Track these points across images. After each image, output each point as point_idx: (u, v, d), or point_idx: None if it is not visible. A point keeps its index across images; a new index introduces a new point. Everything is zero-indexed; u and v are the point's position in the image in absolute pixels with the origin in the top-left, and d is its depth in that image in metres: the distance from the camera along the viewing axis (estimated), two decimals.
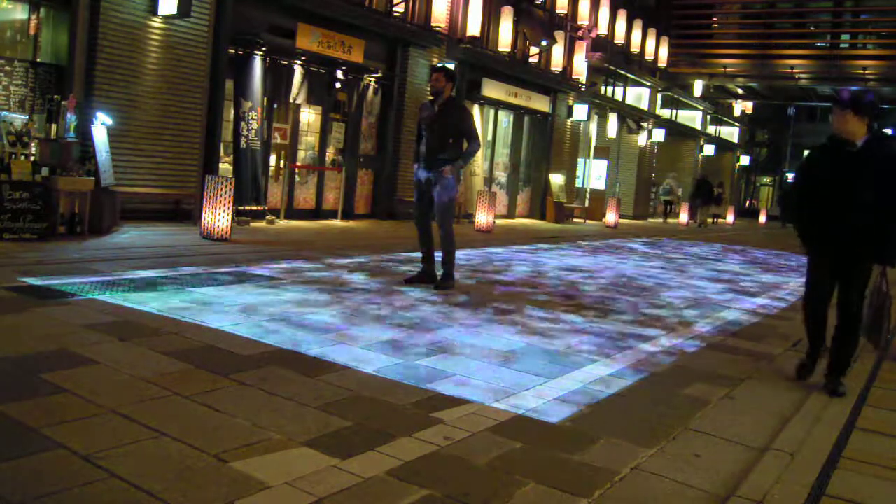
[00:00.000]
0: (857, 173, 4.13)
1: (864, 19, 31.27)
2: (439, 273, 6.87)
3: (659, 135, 26.33)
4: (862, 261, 4.21)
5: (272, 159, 12.59)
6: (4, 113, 8.51)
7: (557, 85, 19.70)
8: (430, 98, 6.91)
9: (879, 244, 4.11)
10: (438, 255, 6.91)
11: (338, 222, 13.15)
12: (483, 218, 14.41)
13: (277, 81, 12.28)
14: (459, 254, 8.28)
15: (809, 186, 4.35)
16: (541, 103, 19.47)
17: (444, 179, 6.65)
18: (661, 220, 26.41)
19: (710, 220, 26.81)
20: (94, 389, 3.21)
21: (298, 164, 13.19)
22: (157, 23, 10.06)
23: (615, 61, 22.67)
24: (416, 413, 3.33)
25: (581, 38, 20.46)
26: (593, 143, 23.19)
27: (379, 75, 14.31)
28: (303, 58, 12.55)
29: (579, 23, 20.46)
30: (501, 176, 19.33)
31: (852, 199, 4.12)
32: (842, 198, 4.16)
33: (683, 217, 26.23)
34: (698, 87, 30.40)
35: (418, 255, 7.10)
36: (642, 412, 3.70)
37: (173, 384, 3.39)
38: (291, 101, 12.78)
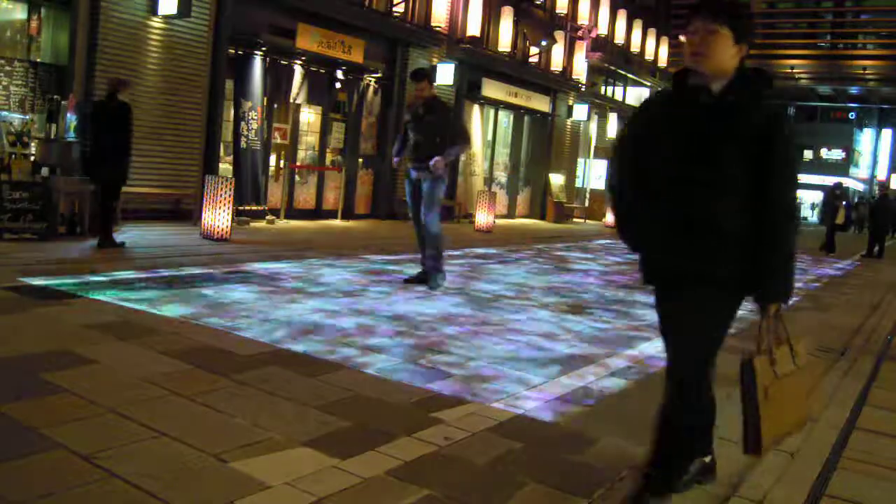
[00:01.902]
0: (711, 143, 2.30)
1: (864, 19, 31.28)
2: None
3: None
4: (711, 299, 2.39)
5: (272, 159, 12.59)
6: (4, 113, 8.51)
7: (557, 85, 19.70)
8: (414, 101, 7.00)
9: (765, 268, 2.30)
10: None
11: (338, 222, 13.14)
12: (483, 218, 14.41)
13: (277, 81, 12.28)
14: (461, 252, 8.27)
15: (638, 169, 2.48)
16: (541, 103, 19.47)
17: (432, 175, 6.63)
18: None
19: None
20: (94, 389, 3.21)
21: (298, 164, 13.19)
22: (157, 23, 10.06)
23: (615, 61, 22.67)
24: (416, 413, 3.33)
25: (581, 38, 20.46)
26: (593, 143, 23.19)
27: (379, 75, 14.31)
28: (303, 58, 12.55)
29: (579, 23, 20.47)
30: (501, 176, 19.33)
31: (703, 193, 2.31)
32: (686, 191, 2.34)
33: None
34: None
35: (418, 255, 7.10)
36: (642, 412, 3.69)
37: (173, 384, 3.39)
38: (291, 101, 12.78)
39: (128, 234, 8.46)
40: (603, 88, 23.26)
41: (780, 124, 2.29)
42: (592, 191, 23.43)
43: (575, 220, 21.19)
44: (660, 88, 2.69)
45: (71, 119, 8.31)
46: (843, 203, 17.08)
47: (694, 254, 2.35)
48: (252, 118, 11.56)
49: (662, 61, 26.87)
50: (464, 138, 6.94)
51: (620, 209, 2.60)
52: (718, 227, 2.31)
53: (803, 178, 45.24)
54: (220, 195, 8.71)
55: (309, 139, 13.57)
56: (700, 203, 2.33)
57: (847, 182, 27.47)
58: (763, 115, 2.30)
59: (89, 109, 7.87)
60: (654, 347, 5.18)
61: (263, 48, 11.72)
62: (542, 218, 19.91)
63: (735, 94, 2.31)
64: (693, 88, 2.38)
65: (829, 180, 42.58)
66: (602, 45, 21.56)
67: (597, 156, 23.72)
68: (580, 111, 20.57)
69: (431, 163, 6.56)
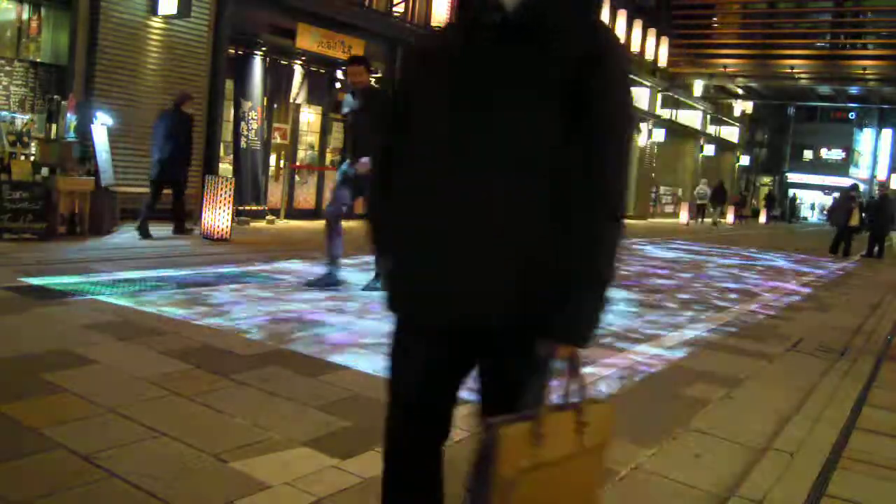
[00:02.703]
0: (499, 87, 1.43)
1: (864, 19, 31.28)
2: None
3: (659, 135, 26.38)
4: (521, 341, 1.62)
5: (272, 159, 12.60)
6: (4, 113, 8.51)
7: None
8: (351, 92, 6.23)
9: (566, 290, 1.44)
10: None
11: None
12: None
13: (277, 81, 12.29)
14: None
15: (392, 154, 1.65)
16: None
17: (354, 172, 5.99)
18: (686, 222, 26.58)
19: (719, 220, 28.04)
20: (94, 389, 3.21)
21: (298, 164, 13.20)
22: (157, 23, 10.06)
23: None
24: None
25: None
26: None
27: (379, 75, 14.31)
28: (303, 58, 12.56)
29: None
30: None
31: (488, 182, 1.44)
32: (463, 180, 1.46)
33: (683, 217, 26.50)
34: (698, 87, 30.41)
35: None
36: (642, 412, 3.70)
37: (173, 384, 3.39)
38: (291, 101, 12.80)
39: (128, 234, 8.46)
40: None
41: (609, 56, 1.43)
42: None
43: None
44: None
45: (71, 119, 8.31)
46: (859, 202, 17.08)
47: (482, 283, 1.49)
48: (252, 118, 11.56)
49: (662, 61, 26.89)
50: None
51: (373, 222, 1.75)
52: (519, 240, 1.45)
53: (803, 178, 45.39)
54: (220, 195, 8.71)
55: (309, 139, 13.58)
56: (486, 200, 1.44)
57: (847, 182, 27.53)
58: (581, 38, 1.42)
59: (156, 120, 8.93)
60: (653, 348, 5.18)
61: (263, 48, 11.72)
62: None
63: (536, 7, 1.44)
64: (475, 7, 1.47)
65: (829, 180, 42.73)
66: None
67: None
68: None
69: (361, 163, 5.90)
